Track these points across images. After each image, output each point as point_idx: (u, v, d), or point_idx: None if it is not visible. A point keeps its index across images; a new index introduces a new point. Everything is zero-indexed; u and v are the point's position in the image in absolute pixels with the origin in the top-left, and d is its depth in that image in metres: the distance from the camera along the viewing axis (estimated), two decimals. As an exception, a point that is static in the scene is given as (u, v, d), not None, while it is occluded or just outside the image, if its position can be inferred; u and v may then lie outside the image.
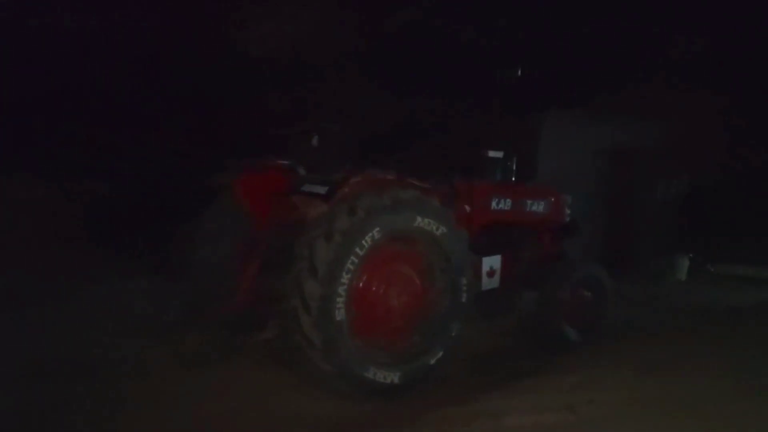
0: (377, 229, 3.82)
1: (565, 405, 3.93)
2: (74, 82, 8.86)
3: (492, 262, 4.88)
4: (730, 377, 4.51)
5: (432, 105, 9.40)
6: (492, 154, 5.04)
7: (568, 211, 5.64)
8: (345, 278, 3.74)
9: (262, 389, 4.08)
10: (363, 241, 3.78)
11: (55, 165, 8.79)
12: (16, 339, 4.61)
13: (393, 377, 3.94)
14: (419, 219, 4.01)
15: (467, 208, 4.84)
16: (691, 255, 8.53)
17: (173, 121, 9.25)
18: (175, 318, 5.06)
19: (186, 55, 9.17)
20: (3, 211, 8.26)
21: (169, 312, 5.20)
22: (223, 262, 4.81)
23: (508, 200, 5.12)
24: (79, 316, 5.26)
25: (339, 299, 3.73)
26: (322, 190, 4.11)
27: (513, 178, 5.34)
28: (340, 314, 3.74)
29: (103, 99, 8.97)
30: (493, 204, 5.06)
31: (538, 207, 5.41)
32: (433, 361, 4.14)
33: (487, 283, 4.84)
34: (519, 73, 5.11)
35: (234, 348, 4.62)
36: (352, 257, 3.75)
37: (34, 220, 8.30)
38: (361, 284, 3.97)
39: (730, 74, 9.47)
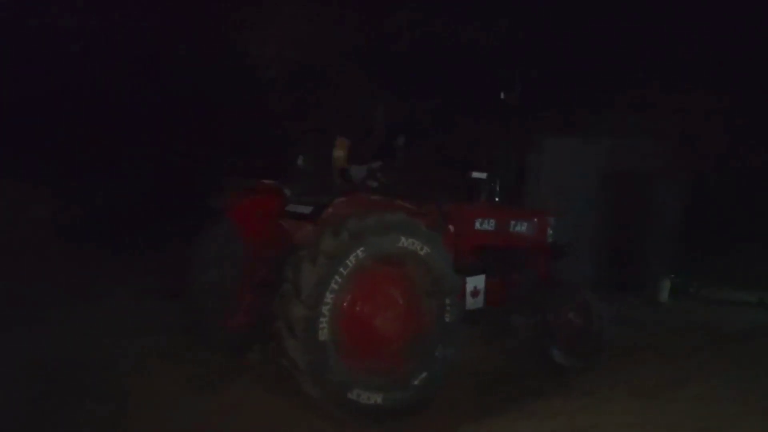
0: (361, 249, 3.84)
1: (570, 430, 3.89)
2: (77, 98, 8.89)
3: (476, 281, 4.90)
4: (734, 400, 4.51)
5: (425, 124, 9.48)
6: (477, 175, 5.10)
7: (551, 233, 5.68)
8: (329, 298, 3.75)
9: (253, 410, 4.10)
10: (347, 261, 3.79)
11: (60, 180, 8.76)
12: (12, 358, 4.58)
13: (376, 398, 3.92)
14: (403, 239, 4.03)
15: (452, 228, 4.88)
16: (672, 276, 8.59)
17: (174, 137, 9.26)
18: (174, 338, 5.08)
19: (189, 68, 9.23)
20: (9, 222, 8.24)
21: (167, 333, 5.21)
22: (221, 283, 4.86)
23: (491, 220, 5.16)
24: (73, 338, 5.22)
25: (323, 319, 3.73)
26: (307, 210, 4.13)
27: (497, 199, 5.39)
28: (323, 335, 3.73)
29: (102, 115, 8.99)
30: (478, 224, 5.09)
31: (522, 228, 5.45)
32: (417, 382, 4.12)
33: (472, 303, 4.85)
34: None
35: (228, 369, 4.62)
36: (336, 277, 3.76)
37: (38, 232, 8.28)
38: (345, 304, 3.97)
39: (725, 96, 9.65)
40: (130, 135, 9.12)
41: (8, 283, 6.05)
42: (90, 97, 8.92)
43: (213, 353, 4.77)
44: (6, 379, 4.01)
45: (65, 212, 8.51)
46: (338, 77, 9.44)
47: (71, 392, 3.96)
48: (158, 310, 5.93)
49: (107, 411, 3.99)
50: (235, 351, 4.76)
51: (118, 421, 3.88)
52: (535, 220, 5.58)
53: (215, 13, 9.39)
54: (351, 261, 3.80)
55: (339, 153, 4.90)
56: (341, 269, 3.78)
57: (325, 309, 3.73)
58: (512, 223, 5.37)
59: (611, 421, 4.00)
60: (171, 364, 4.78)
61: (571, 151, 8.95)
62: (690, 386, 4.79)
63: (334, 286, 3.76)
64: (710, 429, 3.80)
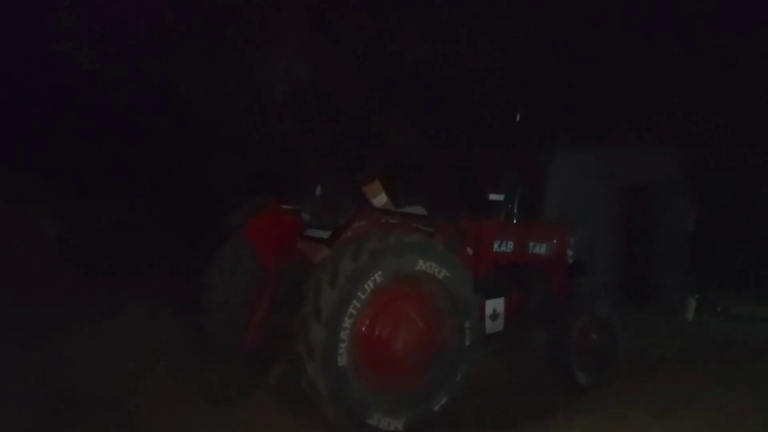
0: (379, 272, 3.83)
1: None
2: (89, 116, 9.06)
3: (495, 304, 4.86)
4: (747, 417, 4.45)
5: (439, 143, 9.52)
6: (493, 197, 5.09)
7: (571, 252, 5.63)
8: (347, 323, 3.74)
9: (267, 428, 4.09)
10: (365, 285, 3.79)
11: (69, 200, 8.91)
12: (25, 374, 4.64)
13: (397, 424, 3.90)
14: (421, 262, 4.02)
15: (470, 250, 4.86)
16: (697, 296, 8.43)
17: (188, 155, 9.39)
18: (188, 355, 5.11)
19: (208, 85, 9.37)
20: (16, 246, 8.39)
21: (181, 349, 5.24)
22: (236, 300, 4.89)
23: (510, 241, 5.13)
24: (91, 356, 5.29)
25: (342, 344, 3.72)
26: (325, 234, 4.16)
27: (515, 220, 5.36)
28: (342, 360, 3.72)
29: (111, 134, 9.13)
30: (496, 245, 5.07)
31: (541, 248, 5.41)
32: (437, 408, 4.09)
33: (491, 327, 4.80)
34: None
35: (242, 386, 4.64)
36: (354, 301, 3.76)
37: (47, 251, 8.41)
38: (363, 329, 3.96)
39: (741, 104, 9.55)
40: (144, 152, 9.25)
41: (20, 298, 6.13)
42: (105, 116, 9.07)
43: (226, 371, 4.80)
44: (17, 395, 4.04)
45: (77, 231, 8.66)
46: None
47: (81, 408, 3.98)
48: (172, 326, 5.99)
49: (119, 426, 4.01)
50: (248, 369, 4.75)
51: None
52: (554, 239, 5.53)
53: (235, 31, 9.51)
54: (369, 285, 3.80)
55: (380, 198, 4.85)
56: (359, 293, 3.77)
57: (343, 334, 3.72)
58: (531, 244, 5.33)
59: None
60: (184, 381, 4.80)
61: (584, 165, 8.87)
62: (707, 403, 4.76)
63: (352, 310, 3.75)
64: None
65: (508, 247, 5.11)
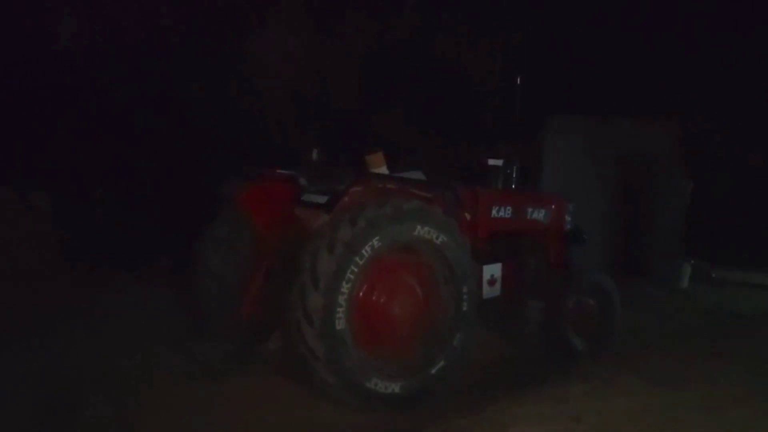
0: (377, 238, 3.81)
1: (572, 415, 3.92)
2: (82, 89, 8.91)
3: (493, 270, 4.86)
4: (740, 385, 4.49)
5: (436, 111, 9.41)
6: (492, 162, 5.04)
7: (569, 219, 5.62)
8: (345, 288, 3.73)
9: (267, 399, 4.10)
10: (363, 251, 3.77)
11: (63, 175, 8.83)
12: (27, 349, 4.66)
13: (394, 387, 3.92)
14: (419, 228, 4.00)
15: (468, 216, 4.83)
16: (692, 261, 8.47)
17: (179, 128, 9.27)
18: (183, 327, 5.09)
19: (194, 63, 9.20)
20: (13, 220, 8.34)
21: (177, 321, 5.22)
22: (230, 271, 4.85)
23: (508, 207, 5.11)
24: (86, 326, 5.29)
25: (339, 309, 3.72)
26: (323, 200, 4.10)
27: (513, 186, 5.33)
28: (340, 324, 3.73)
29: (108, 107, 8.99)
30: (494, 211, 5.04)
31: (539, 215, 5.39)
32: (434, 371, 4.11)
33: (488, 292, 4.82)
34: (523, 78, 5.10)
35: (239, 358, 4.62)
36: (352, 267, 3.74)
37: (42, 229, 8.36)
38: (361, 294, 3.96)
39: (736, 72, 9.46)
40: (136, 144, 9.16)
41: (19, 293, 6.07)
42: (95, 104, 8.95)
43: (221, 341, 4.74)
44: (17, 389, 4.02)
45: (72, 222, 8.59)
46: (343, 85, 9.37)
47: (79, 402, 3.93)
48: (165, 297, 5.96)
49: (112, 399, 4.01)
50: (243, 339, 4.71)
51: (124, 407, 3.89)
52: (553, 206, 5.51)
53: (224, 19, 9.31)
54: (367, 250, 3.78)
55: (382, 170, 4.79)
56: (357, 258, 3.75)
57: (341, 299, 3.71)
58: (529, 210, 5.32)
59: (613, 406, 4.03)
60: (178, 351, 4.73)
61: (582, 133, 8.80)
62: (698, 370, 4.80)
63: (350, 275, 3.74)
64: (714, 412, 3.83)
65: (506, 213, 5.09)
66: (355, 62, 9.36)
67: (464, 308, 4.24)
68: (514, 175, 5.26)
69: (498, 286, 4.90)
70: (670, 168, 9.14)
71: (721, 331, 6.31)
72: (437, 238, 4.09)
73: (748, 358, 5.08)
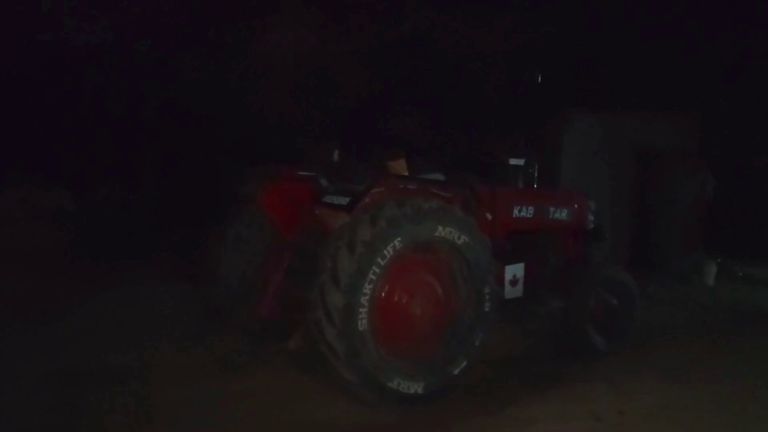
0: (399, 239, 3.82)
1: (592, 413, 3.94)
2: (96, 90, 9.06)
3: (515, 270, 4.84)
4: (764, 383, 4.43)
5: (454, 111, 9.38)
6: (513, 161, 5.02)
7: (591, 217, 5.57)
8: (367, 288, 3.75)
9: (285, 397, 4.13)
10: (385, 251, 3.78)
11: (80, 173, 9.01)
12: (43, 346, 4.75)
13: (417, 387, 3.93)
14: (440, 228, 4.00)
15: (489, 215, 4.82)
16: (718, 260, 8.33)
17: (199, 127, 9.37)
18: (202, 325, 5.16)
19: (208, 63, 9.29)
20: (30, 219, 8.54)
21: (195, 319, 5.29)
22: (249, 270, 4.91)
23: (530, 207, 5.08)
24: (104, 322, 5.40)
25: (362, 309, 3.73)
26: (344, 201, 4.13)
27: (535, 185, 5.30)
28: (362, 324, 3.75)
29: (125, 106, 9.13)
30: (516, 211, 5.02)
31: (561, 213, 5.36)
32: (456, 372, 4.12)
33: (510, 292, 4.80)
34: (540, 73, 5.06)
35: (258, 356, 4.67)
36: (374, 267, 3.76)
37: (60, 227, 8.55)
38: (383, 294, 3.97)
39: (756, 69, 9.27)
40: (157, 142, 9.27)
41: (36, 289, 6.19)
42: (112, 103, 9.07)
43: (238, 339, 4.83)
44: (33, 386, 4.09)
45: (91, 219, 8.75)
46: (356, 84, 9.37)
47: (96, 398, 3.98)
48: (183, 294, 6.05)
49: (129, 392, 4.08)
50: (260, 337, 4.78)
51: (141, 403, 3.94)
52: (576, 204, 5.47)
53: (237, 19, 9.35)
54: (389, 251, 3.79)
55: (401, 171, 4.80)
56: (379, 260, 3.77)
57: (363, 299, 3.73)
58: (551, 209, 5.28)
59: (634, 404, 4.05)
60: (196, 348, 4.84)
61: (599, 127, 8.68)
62: (722, 367, 4.80)
63: (372, 276, 3.75)
64: (735, 410, 3.83)
65: (528, 212, 5.06)
66: (372, 59, 9.35)
67: (486, 308, 4.24)
68: (535, 174, 5.22)
69: (520, 286, 4.88)
70: (692, 163, 8.99)
71: (746, 328, 6.22)
72: (458, 239, 4.08)
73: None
